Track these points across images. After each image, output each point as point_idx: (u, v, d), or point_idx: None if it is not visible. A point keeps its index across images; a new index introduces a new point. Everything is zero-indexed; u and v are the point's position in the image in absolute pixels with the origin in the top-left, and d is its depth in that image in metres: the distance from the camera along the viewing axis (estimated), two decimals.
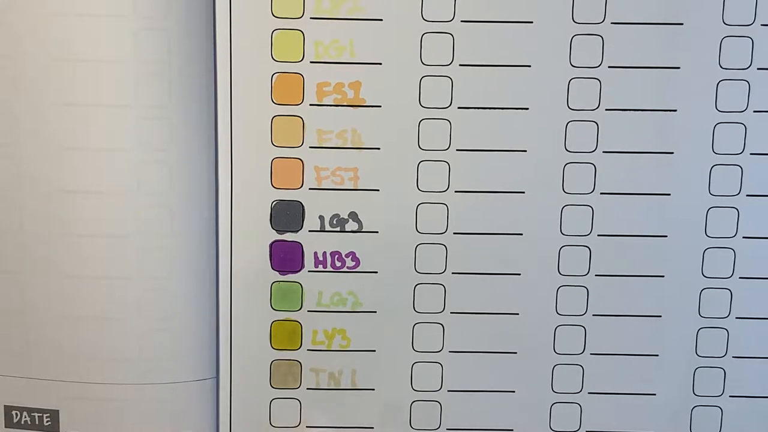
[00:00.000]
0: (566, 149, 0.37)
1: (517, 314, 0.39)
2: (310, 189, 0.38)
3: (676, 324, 0.39)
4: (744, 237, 0.38)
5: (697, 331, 0.39)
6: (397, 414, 0.39)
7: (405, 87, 0.37)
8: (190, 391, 0.39)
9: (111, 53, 0.36)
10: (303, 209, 0.38)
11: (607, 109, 0.37)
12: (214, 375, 0.39)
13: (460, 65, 0.37)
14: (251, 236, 0.38)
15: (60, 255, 0.37)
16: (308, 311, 0.39)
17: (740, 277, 0.38)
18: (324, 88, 0.37)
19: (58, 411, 0.39)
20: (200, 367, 0.39)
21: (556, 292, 0.38)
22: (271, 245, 0.38)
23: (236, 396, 0.39)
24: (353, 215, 0.38)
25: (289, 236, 0.38)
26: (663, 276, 0.38)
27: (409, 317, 0.39)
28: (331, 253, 0.38)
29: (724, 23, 0.36)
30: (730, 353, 0.39)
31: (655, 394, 0.39)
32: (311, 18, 0.36)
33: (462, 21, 0.36)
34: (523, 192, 0.38)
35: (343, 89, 0.37)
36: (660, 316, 0.39)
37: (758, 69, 0.37)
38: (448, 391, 0.39)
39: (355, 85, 0.37)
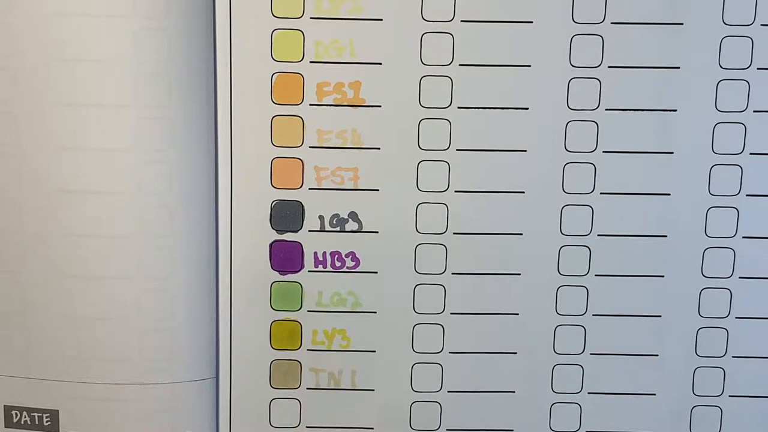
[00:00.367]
0: (566, 149, 0.37)
1: (517, 314, 0.39)
2: (310, 189, 0.38)
3: (676, 324, 0.39)
4: (744, 237, 0.38)
5: (696, 331, 0.39)
6: (397, 414, 0.39)
7: (405, 87, 0.37)
8: (190, 391, 0.39)
9: (111, 53, 0.36)
10: (303, 209, 0.38)
11: (607, 109, 0.37)
12: (214, 375, 0.39)
13: (460, 65, 0.37)
14: (251, 236, 0.38)
15: (60, 255, 0.37)
16: (308, 311, 0.39)
17: (740, 277, 0.38)
18: (324, 88, 0.37)
19: (58, 411, 0.39)
20: (200, 367, 0.39)
21: (556, 292, 0.38)
22: (271, 245, 0.38)
23: (236, 396, 0.39)
24: (353, 215, 0.38)
25: (289, 236, 0.38)
26: (663, 276, 0.38)
27: (409, 317, 0.39)
28: (331, 253, 0.38)
29: (724, 23, 0.36)
30: (730, 353, 0.39)
31: (655, 394, 0.39)
32: (311, 18, 0.36)
33: (462, 21, 0.36)
34: (523, 192, 0.38)
35: (343, 89, 0.37)
36: (660, 316, 0.39)
37: (758, 69, 0.37)
38: (448, 391, 0.39)
39: (355, 85, 0.37)
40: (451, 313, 0.39)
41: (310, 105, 0.37)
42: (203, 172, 0.37)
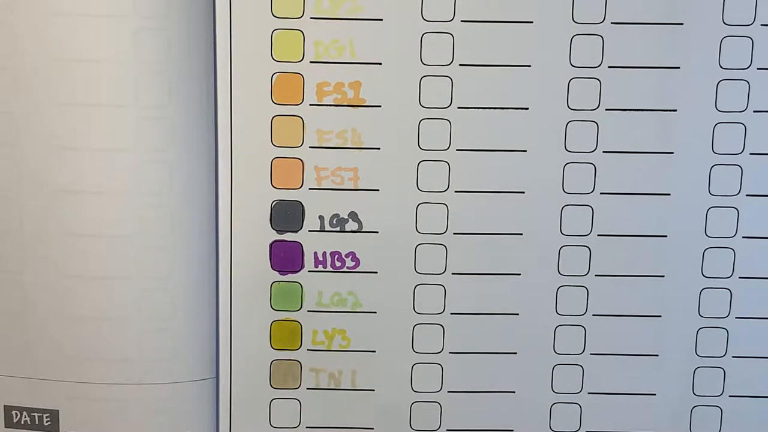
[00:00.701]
0: (566, 149, 0.37)
1: (517, 314, 0.39)
2: (310, 189, 0.38)
3: (676, 324, 0.39)
4: (744, 237, 0.38)
5: (696, 331, 0.39)
6: (397, 414, 0.39)
7: (405, 87, 0.37)
8: (190, 391, 0.39)
9: (111, 53, 0.36)
10: (303, 209, 0.38)
11: (607, 109, 0.37)
12: (214, 375, 0.39)
13: (460, 65, 0.37)
14: (251, 236, 0.38)
15: (60, 255, 0.37)
16: (308, 311, 0.39)
17: (740, 277, 0.38)
18: (324, 88, 0.37)
19: (58, 411, 0.39)
20: (200, 367, 0.39)
21: (556, 292, 0.38)
22: (271, 245, 0.38)
23: (236, 396, 0.39)
24: (353, 215, 0.38)
25: (289, 236, 0.38)
26: (663, 276, 0.38)
27: (409, 318, 0.39)
28: (331, 253, 0.38)
29: (724, 23, 0.36)
30: (730, 353, 0.39)
31: (655, 394, 0.39)
32: (311, 18, 0.36)
33: (462, 21, 0.36)
34: (523, 192, 0.38)
35: (343, 89, 0.37)
36: (660, 316, 0.39)
37: (758, 69, 0.37)
38: (448, 391, 0.39)
39: (355, 85, 0.37)
40: (451, 313, 0.39)
41: (310, 105, 0.37)
42: (203, 173, 0.37)
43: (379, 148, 0.37)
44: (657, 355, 0.39)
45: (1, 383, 0.39)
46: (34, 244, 0.37)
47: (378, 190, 0.38)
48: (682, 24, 0.36)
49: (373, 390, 0.39)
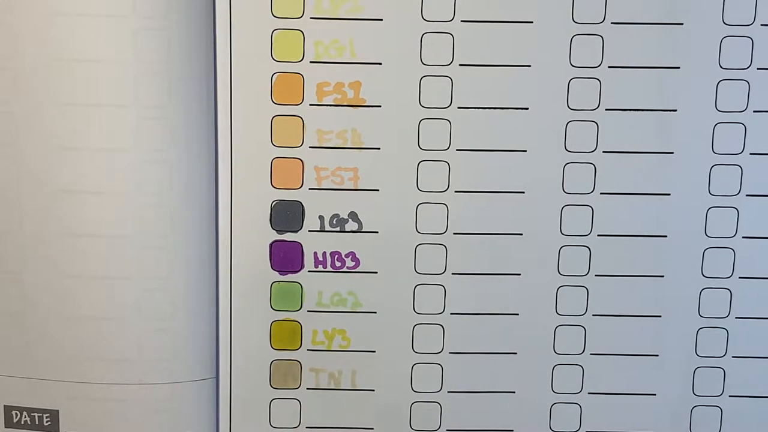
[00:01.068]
0: (566, 149, 0.37)
1: (517, 314, 0.39)
2: (310, 189, 0.38)
3: (676, 324, 0.39)
4: (744, 237, 0.38)
5: (696, 331, 0.39)
6: (397, 414, 0.39)
7: (405, 87, 0.37)
8: (190, 391, 0.39)
9: (111, 53, 0.36)
10: (303, 209, 0.38)
11: (607, 109, 0.37)
12: (214, 375, 0.39)
13: (460, 65, 0.37)
14: (251, 236, 0.38)
15: (60, 255, 0.37)
16: (308, 311, 0.39)
17: (740, 277, 0.38)
18: (324, 88, 0.37)
19: (58, 411, 0.39)
20: (200, 367, 0.39)
21: (556, 292, 0.38)
22: (271, 245, 0.38)
23: (236, 396, 0.39)
24: (353, 215, 0.38)
25: (289, 236, 0.38)
26: (663, 276, 0.38)
27: (409, 318, 0.39)
28: (331, 253, 0.38)
29: (724, 23, 0.36)
30: (730, 353, 0.39)
31: (655, 394, 0.39)
32: (311, 18, 0.36)
33: (462, 21, 0.36)
34: (523, 192, 0.38)
35: (343, 89, 0.37)
36: (660, 316, 0.39)
37: (758, 69, 0.37)
38: (448, 391, 0.39)
39: (355, 85, 0.37)
40: (451, 313, 0.39)
41: (310, 105, 0.37)
42: (203, 173, 0.37)
43: (379, 148, 0.37)
44: (657, 355, 0.39)
45: (1, 383, 0.39)
46: (34, 244, 0.37)
47: (378, 190, 0.38)
48: (682, 24, 0.36)
49: (373, 390, 0.39)
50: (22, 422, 0.39)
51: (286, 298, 0.38)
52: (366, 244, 0.38)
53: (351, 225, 0.38)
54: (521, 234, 0.38)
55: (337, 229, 0.38)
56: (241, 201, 0.37)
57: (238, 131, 0.37)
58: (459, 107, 0.37)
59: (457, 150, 0.37)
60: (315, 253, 0.38)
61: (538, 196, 0.38)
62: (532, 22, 0.36)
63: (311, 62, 0.37)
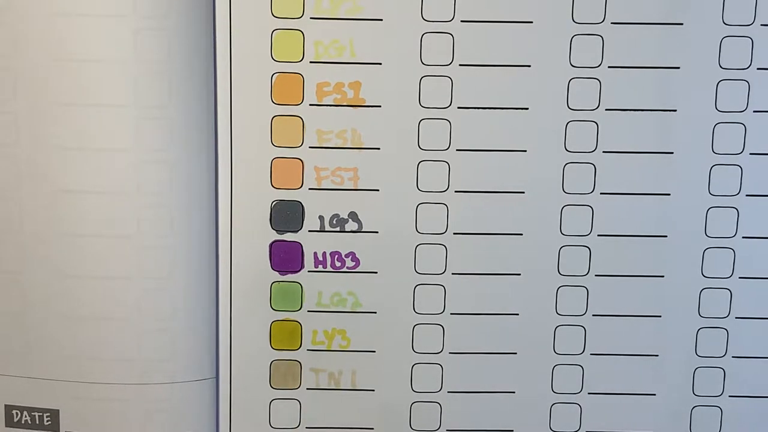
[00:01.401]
0: (566, 149, 0.37)
1: (517, 314, 0.39)
2: (309, 189, 0.38)
3: (676, 324, 0.39)
4: (744, 237, 0.38)
5: (696, 331, 0.39)
6: (397, 414, 0.39)
7: (405, 87, 0.37)
8: (190, 391, 0.39)
9: (111, 53, 0.36)
10: (303, 209, 0.38)
11: (607, 109, 0.37)
12: (214, 375, 0.39)
13: (460, 65, 0.37)
14: (251, 236, 0.38)
15: (60, 255, 0.37)
16: (308, 311, 0.39)
17: (740, 277, 0.38)
18: (324, 88, 0.37)
19: (58, 411, 0.39)
20: (200, 367, 0.39)
21: (556, 292, 0.38)
22: (270, 245, 0.38)
23: (236, 396, 0.39)
24: (353, 215, 0.38)
25: (288, 236, 0.38)
26: (663, 276, 0.38)
27: (409, 318, 0.39)
28: (330, 253, 0.38)
29: (724, 23, 0.36)
30: (730, 353, 0.39)
31: (655, 394, 0.39)
32: (311, 18, 0.36)
33: (462, 21, 0.36)
34: (523, 192, 0.38)
35: (343, 89, 0.37)
36: (660, 316, 0.39)
37: (758, 69, 0.37)
38: (448, 391, 0.39)
39: (355, 85, 0.37)
40: (451, 314, 0.39)
41: (310, 105, 0.37)
42: (203, 172, 0.37)
43: (379, 148, 0.37)
44: (657, 355, 0.39)
45: (2, 383, 0.39)
46: (34, 244, 0.37)
47: (378, 190, 0.38)
48: (682, 24, 0.36)
49: (373, 390, 0.39)
50: (23, 422, 0.39)
51: (286, 298, 0.38)
52: (366, 244, 0.38)
53: (351, 225, 0.38)
54: (521, 234, 0.38)
55: (337, 229, 0.38)
56: (241, 201, 0.37)
57: (238, 131, 0.37)
58: (459, 107, 0.37)
59: (457, 150, 0.37)
60: (315, 253, 0.38)
61: (538, 196, 0.38)
62: (532, 22, 0.36)
63: (311, 62, 0.37)
